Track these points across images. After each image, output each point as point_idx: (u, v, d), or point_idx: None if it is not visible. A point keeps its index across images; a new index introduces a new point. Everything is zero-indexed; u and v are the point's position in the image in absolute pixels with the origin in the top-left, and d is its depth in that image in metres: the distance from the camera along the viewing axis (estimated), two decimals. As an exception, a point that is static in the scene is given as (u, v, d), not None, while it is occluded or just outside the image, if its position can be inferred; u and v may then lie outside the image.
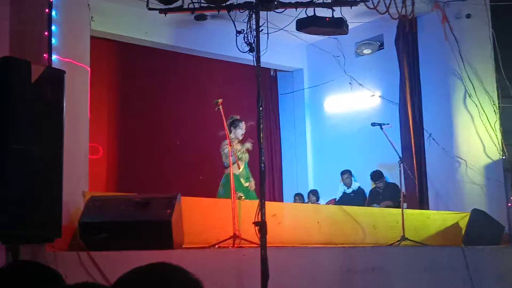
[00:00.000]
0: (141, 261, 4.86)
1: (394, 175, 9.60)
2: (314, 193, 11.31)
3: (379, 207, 9.72)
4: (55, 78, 4.24)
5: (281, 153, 12.96)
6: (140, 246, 4.78)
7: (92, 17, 6.61)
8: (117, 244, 4.81)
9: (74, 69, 5.34)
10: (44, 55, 4.99)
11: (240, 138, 8.13)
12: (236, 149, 7.98)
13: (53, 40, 5.14)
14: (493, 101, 9.86)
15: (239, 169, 7.96)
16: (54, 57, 5.08)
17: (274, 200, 11.18)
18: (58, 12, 5.26)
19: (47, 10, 5.18)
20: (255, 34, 5.32)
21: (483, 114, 9.70)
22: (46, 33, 5.12)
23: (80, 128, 5.74)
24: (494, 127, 9.75)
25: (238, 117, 8.21)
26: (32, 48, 5.08)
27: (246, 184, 8.00)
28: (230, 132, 7.88)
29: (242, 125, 8.15)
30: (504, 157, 9.72)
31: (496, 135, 9.74)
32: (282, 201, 11.90)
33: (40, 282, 1.97)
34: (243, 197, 7.57)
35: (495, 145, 9.72)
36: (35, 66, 4.11)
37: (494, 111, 9.86)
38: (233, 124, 8.12)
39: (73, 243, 4.97)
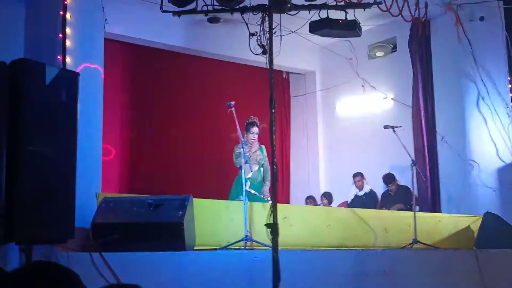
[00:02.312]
0: (153, 262, 4.90)
1: (406, 178, 9.57)
2: (326, 195, 11.28)
3: (391, 209, 9.67)
4: (69, 80, 4.26)
5: (290, 155, 12.96)
6: (152, 248, 4.80)
7: (106, 19, 6.65)
8: (129, 245, 4.83)
9: (88, 71, 5.38)
10: (59, 57, 5.03)
11: (251, 142, 8.10)
12: (247, 152, 7.97)
13: (68, 42, 5.18)
14: (506, 104, 9.83)
15: (251, 171, 7.93)
16: (68, 59, 5.11)
17: (282, 202, 11.15)
18: (72, 14, 5.29)
19: (61, 13, 5.22)
20: (268, 36, 5.33)
21: (496, 116, 9.67)
22: (60, 35, 5.17)
23: (94, 130, 5.78)
24: (508, 129, 9.71)
25: (254, 119, 8.16)
26: (47, 50, 5.13)
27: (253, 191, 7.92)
28: (243, 135, 7.87)
29: (254, 129, 8.11)
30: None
31: (510, 138, 9.70)
32: (289, 203, 11.88)
33: (61, 283, 1.99)
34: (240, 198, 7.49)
35: (508, 148, 9.68)
36: (49, 68, 4.13)
37: (508, 113, 9.83)
38: (246, 128, 8.11)
39: (86, 244, 4.99)
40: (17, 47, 4.90)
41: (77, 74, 4.35)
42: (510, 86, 10.01)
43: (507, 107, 9.83)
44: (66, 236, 4.24)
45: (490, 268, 7.24)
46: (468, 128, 9.83)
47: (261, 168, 8.13)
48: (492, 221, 8.17)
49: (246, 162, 7.67)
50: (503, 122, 9.69)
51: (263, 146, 8.17)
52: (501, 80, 9.88)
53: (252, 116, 8.21)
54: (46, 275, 1.96)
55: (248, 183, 7.80)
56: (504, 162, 9.67)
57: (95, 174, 5.78)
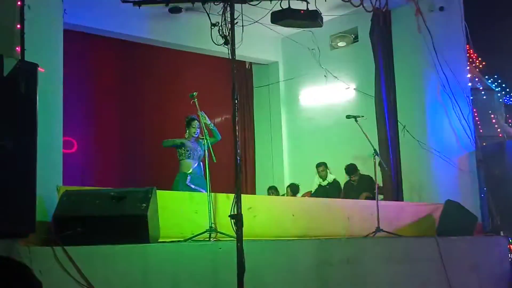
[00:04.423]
0: (116, 255, 4.84)
1: (369, 167, 9.64)
2: (292, 187, 11.25)
3: (359, 198, 9.71)
4: (28, 71, 4.20)
5: (255, 146, 12.97)
6: (116, 241, 4.76)
7: (65, 9, 6.53)
8: (92, 239, 4.78)
9: (47, 62, 5.28)
10: (17, 48, 4.92)
11: (195, 136, 8.20)
12: (188, 147, 8.10)
13: (26, 33, 5.08)
14: (466, 93, 9.97)
15: (192, 167, 8.09)
16: (26, 50, 5.01)
17: (247, 193, 11.16)
18: (31, 4, 5.19)
19: (19, 3, 5.11)
20: (230, 26, 5.31)
21: (456, 105, 9.80)
22: (18, 26, 5.06)
23: (54, 122, 5.69)
24: (467, 118, 9.85)
25: (193, 115, 8.16)
26: (4, 42, 5.02)
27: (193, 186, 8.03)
28: (185, 131, 8.22)
29: (195, 123, 8.18)
30: (476, 149, 9.83)
31: (469, 127, 9.85)
32: (255, 194, 11.90)
33: (8, 276, 1.94)
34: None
35: (468, 136, 9.83)
36: (7, 59, 4.06)
37: (467, 102, 9.97)
38: (187, 124, 8.24)
39: (47, 238, 4.92)
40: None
41: (36, 65, 4.28)
42: (469, 75, 10.16)
43: (467, 96, 9.97)
44: (27, 230, 4.18)
45: (451, 254, 7.36)
46: (429, 117, 9.95)
47: (201, 163, 8.15)
48: (452, 209, 8.29)
49: (189, 157, 7.88)
50: (463, 111, 9.83)
51: (201, 141, 8.20)
52: (461, 69, 10.01)
53: (189, 114, 8.24)
54: None
55: (189, 177, 7.94)
56: (464, 150, 9.82)
57: (56, 167, 5.69)
